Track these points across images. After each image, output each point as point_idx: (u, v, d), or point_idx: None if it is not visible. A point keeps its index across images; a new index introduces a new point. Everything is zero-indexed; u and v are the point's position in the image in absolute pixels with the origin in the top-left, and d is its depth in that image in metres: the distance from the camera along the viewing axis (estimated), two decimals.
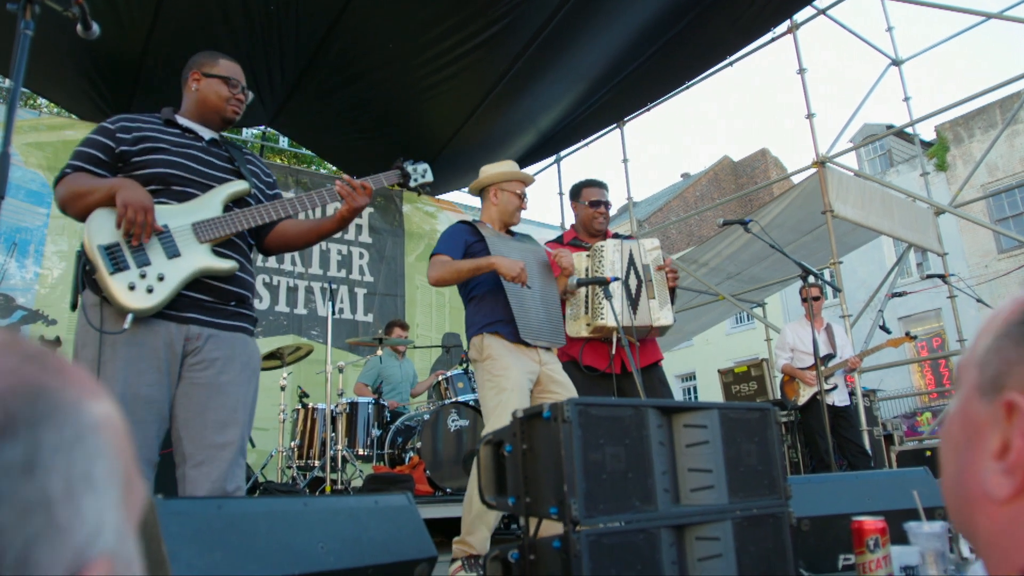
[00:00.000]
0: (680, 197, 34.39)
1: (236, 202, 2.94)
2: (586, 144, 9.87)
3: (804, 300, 6.20)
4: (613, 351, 4.23)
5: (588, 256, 4.37)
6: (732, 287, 10.12)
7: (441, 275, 3.72)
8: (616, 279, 4.14)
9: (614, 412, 2.07)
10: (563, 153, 10.69)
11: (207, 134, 3.05)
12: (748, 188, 17.26)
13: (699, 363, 29.33)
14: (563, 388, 3.79)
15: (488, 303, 3.87)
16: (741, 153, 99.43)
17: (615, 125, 9.75)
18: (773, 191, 31.09)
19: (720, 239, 9.14)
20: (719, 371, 10.15)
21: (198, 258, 2.74)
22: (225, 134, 3.28)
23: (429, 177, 3.26)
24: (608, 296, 3.97)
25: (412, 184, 3.25)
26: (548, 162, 10.85)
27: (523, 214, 4.11)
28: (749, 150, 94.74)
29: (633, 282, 4.25)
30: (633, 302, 4.20)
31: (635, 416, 2.10)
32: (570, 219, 4.72)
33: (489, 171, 4.10)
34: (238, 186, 2.92)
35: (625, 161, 10.06)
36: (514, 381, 3.65)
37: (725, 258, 9.36)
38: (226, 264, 2.81)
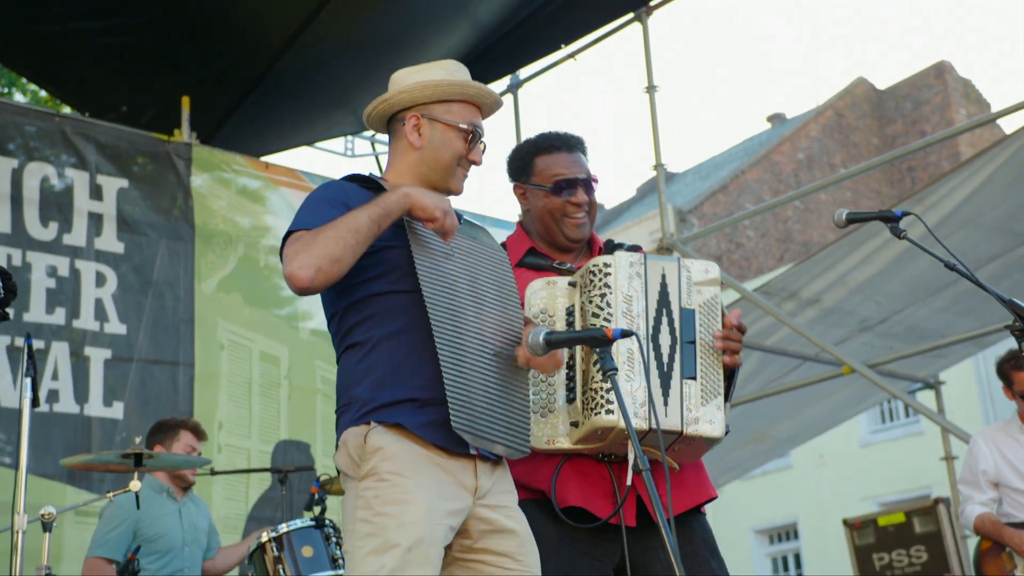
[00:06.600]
0: (764, 163, 22.22)
1: None
2: (571, 55, 7.38)
3: (1013, 384, 4.96)
4: (629, 480, 2.64)
5: (575, 286, 2.99)
6: (868, 349, 7.77)
7: (310, 260, 2.43)
8: (630, 333, 2.62)
9: None
10: (523, 73, 8.17)
11: None
12: (909, 144, 12.12)
13: (804, 504, 18.83)
14: (516, 550, 2.56)
15: (386, 356, 2.51)
16: (890, 74, 64.48)
17: (632, 15, 7.12)
18: (960, 149, 20.20)
19: (843, 250, 7.01)
20: (845, 521, 7.92)
21: None
22: None
23: None
24: (610, 370, 2.52)
25: None
26: (495, 89, 8.85)
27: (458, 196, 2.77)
28: (907, 68, 58.04)
29: (666, 342, 2.88)
30: (665, 383, 2.84)
31: None
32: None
33: (407, 78, 2.74)
34: None
35: (651, 89, 7.21)
36: (417, 528, 2.41)
37: (854, 289, 7.20)
38: None
